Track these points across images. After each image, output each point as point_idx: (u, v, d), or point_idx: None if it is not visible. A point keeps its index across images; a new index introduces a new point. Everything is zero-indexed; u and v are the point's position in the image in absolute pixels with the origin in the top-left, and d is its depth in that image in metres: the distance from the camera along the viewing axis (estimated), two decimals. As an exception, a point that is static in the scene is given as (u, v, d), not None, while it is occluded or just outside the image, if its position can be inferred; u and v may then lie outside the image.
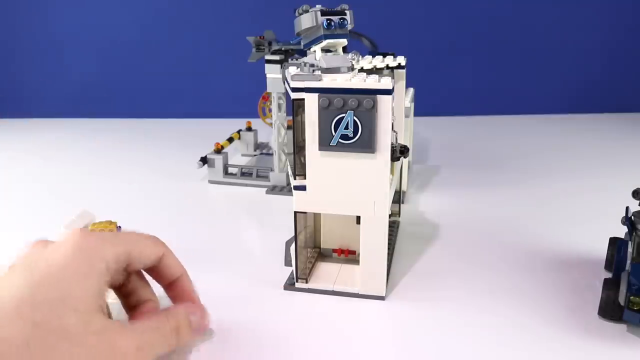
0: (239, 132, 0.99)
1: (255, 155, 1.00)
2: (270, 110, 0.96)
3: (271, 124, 0.85)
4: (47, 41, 1.33)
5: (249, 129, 1.01)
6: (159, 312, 0.42)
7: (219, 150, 0.87)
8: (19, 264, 0.37)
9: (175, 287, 0.44)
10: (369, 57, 0.61)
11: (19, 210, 0.77)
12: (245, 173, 0.86)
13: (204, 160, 0.85)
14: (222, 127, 1.04)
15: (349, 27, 0.51)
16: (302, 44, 0.52)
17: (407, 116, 0.74)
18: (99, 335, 0.36)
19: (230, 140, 0.94)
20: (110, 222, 0.50)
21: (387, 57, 0.62)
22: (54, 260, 0.37)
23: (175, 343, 0.41)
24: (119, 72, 1.33)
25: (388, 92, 0.45)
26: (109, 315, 0.40)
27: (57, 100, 1.35)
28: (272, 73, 0.79)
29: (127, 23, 1.30)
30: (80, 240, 0.38)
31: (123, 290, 0.43)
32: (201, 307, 0.44)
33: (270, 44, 0.80)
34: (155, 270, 0.44)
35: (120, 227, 0.49)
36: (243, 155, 1.01)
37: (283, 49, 0.79)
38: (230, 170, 0.87)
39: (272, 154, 0.86)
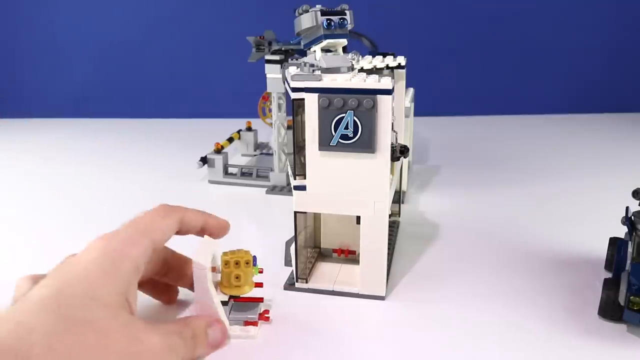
0: (239, 132, 1.00)
1: (255, 155, 1.00)
2: (270, 110, 0.96)
3: (271, 124, 0.85)
4: (48, 41, 1.33)
5: (249, 129, 1.01)
6: (179, 319, 0.43)
7: (219, 150, 0.87)
8: (50, 273, 0.39)
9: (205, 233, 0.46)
10: (369, 57, 0.61)
11: (19, 210, 0.77)
12: (245, 173, 0.86)
13: (204, 160, 0.85)
14: (222, 127, 1.04)
15: (349, 27, 0.51)
16: (302, 44, 0.52)
17: (407, 116, 0.74)
18: (126, 329, 0.36)
19: (230, 140, 0.94)
20: (246, 252, 0.46)
21: (387, 57, 0.62)
22: (81, 263, 0.38)
23: (192, 354, 0.41)
24: (119, 72, 1.33)
25: (388, 92, 0.45)
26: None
27: (57, 100, 1.35)
28: (272, 73, 0.79)
29: (127, 23, 1.30)
30: (105, 243, 0.40)
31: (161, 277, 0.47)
32: (222, 323, 0.44)
33: (270, 44, 0.80)
34: (181, 231, 0.45)
35: (255, 257, 0.46)
36: (243, 155, 1.01)
37: (283, 49, 0.79)
38: (230, 170, 0.87)
39: (272, 154, 0.86)
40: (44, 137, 1.18)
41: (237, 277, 0.45)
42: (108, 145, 1.11)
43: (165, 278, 0.49)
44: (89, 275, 0.37)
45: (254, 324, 0.46)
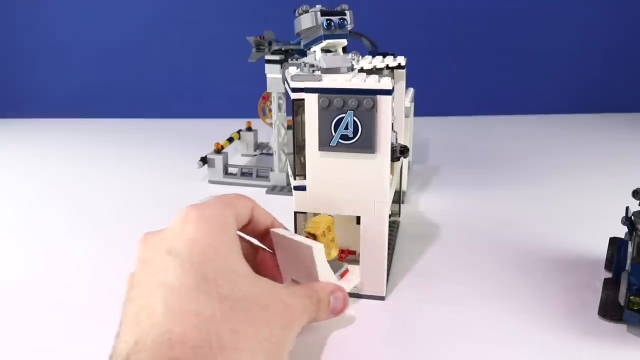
0: (239, 132, 1.00)
1: (255, 155, 1.00)
2: (270, 110, 0.96)
3: (271, 124, 0.85)
4: (48, 41, 1.33)
5: (249, 129, 1.01)
6: (305, 284, 0.43)
7: (219, 150, 0.87)
8: (150, 258, 0.36)
9: (269, 236, 0.45)
10: (368, 57, 0.61)
11: (19, 210, 0.77)
12: (245, 173, 0.86)
13: (204, 160, 0.85)
14: (222, 127, 1.04)
15: (349, 27, 0.50)
16: (302, 44, 0.52)
17: (407, 116, 0.74)
18: (275, 296, 0.36)
19: (230, 140, 0.94)
20: (323, 216, 0.48)
21: (387, 57, 0.62)
22: (193, 239, 0.36)
23: (316, 318, 0.41)
24: (119, 72, 1.33)
25: (388, 92, 0.45)
26: None
27: (57, 100, 1.35)
28: (272, 73, 0.79)
29: (128, 23, 1.30)
30: (203, 213, 0.38)
31: None
32: (344, 291, 0.44)
33: (270, 44, 0.80)
34: (248, 225, 0.44)
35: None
36: (243, 155, 1.01)
37: (283, 49, 0.79)
38: (230, 170, 0.87)
39: (272, 154, 0.86)
40: (44, 137, 1.18)
41: (332, 240, 0.47)
42: (108, 145, 1.11)
43: (247, 232, 0.47)
44: (215, 251, 0.35)
45: (347, 271, 0.47)
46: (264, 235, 0.46)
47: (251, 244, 0.47)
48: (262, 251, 0.47)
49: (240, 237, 0.44)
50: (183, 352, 0.30)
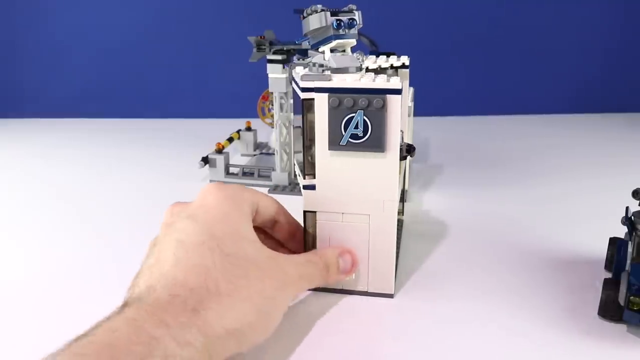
0: (238, 132, 1.00)
1: (254, 155, 1.00)
2: (269, 110, 0.96)
3: (271, 123, 0.85)
4: (48, 41, 1.32)
5: (249, 129, 1.01)
6: (313, 251, 0.49)
7: (220, 150, 0.87)
8: (172, 221, 0.42)
9: (295, 239, 0.51)
10: (373, 57, 0.61)
11: (18, 210, 0.77)
12: (247, 173, 0.86)
13: (206, 160, 0.85)
14: (222, 127, 1.04)
15: (358, 27, 0.51)
16: (309, 44, 0.52)
17: (408, 115, 0.74)
18: (273, 262, 0.42)
19: (230, 140, 0.94)
20: None
21: (391, 57, 0.62)
22: (210, 207, 0.42)
23: (325, 280, 0.47)
24: (119, 72, 1.33)
25: (398, 91, 0.45)
26: None
27: (57, 100, 1.35)
28: (274, 73, 0.79)
29: (127, 23, 1.30)
30: (223, 189, 0.44)
31: None
32: (352, 253, 0.49)
33: (270, 43, 0.80)
34: (273, 228, 0.50)
35: None
36: (242, 155, 1.01)
37: (285, 48, 0.79)
38: (232, 170, 0.87)
39: (271, 154, 0.86)
40: (44, 137, 1.17)
41: None
42: (108, 146, 1.11)
43: (273, 232, 0.52)
44: (226, 217, 0.41)
45: None
46: (273, 224, 0.50)
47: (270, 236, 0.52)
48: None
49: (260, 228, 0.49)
50: (183, 291, 0.36)
